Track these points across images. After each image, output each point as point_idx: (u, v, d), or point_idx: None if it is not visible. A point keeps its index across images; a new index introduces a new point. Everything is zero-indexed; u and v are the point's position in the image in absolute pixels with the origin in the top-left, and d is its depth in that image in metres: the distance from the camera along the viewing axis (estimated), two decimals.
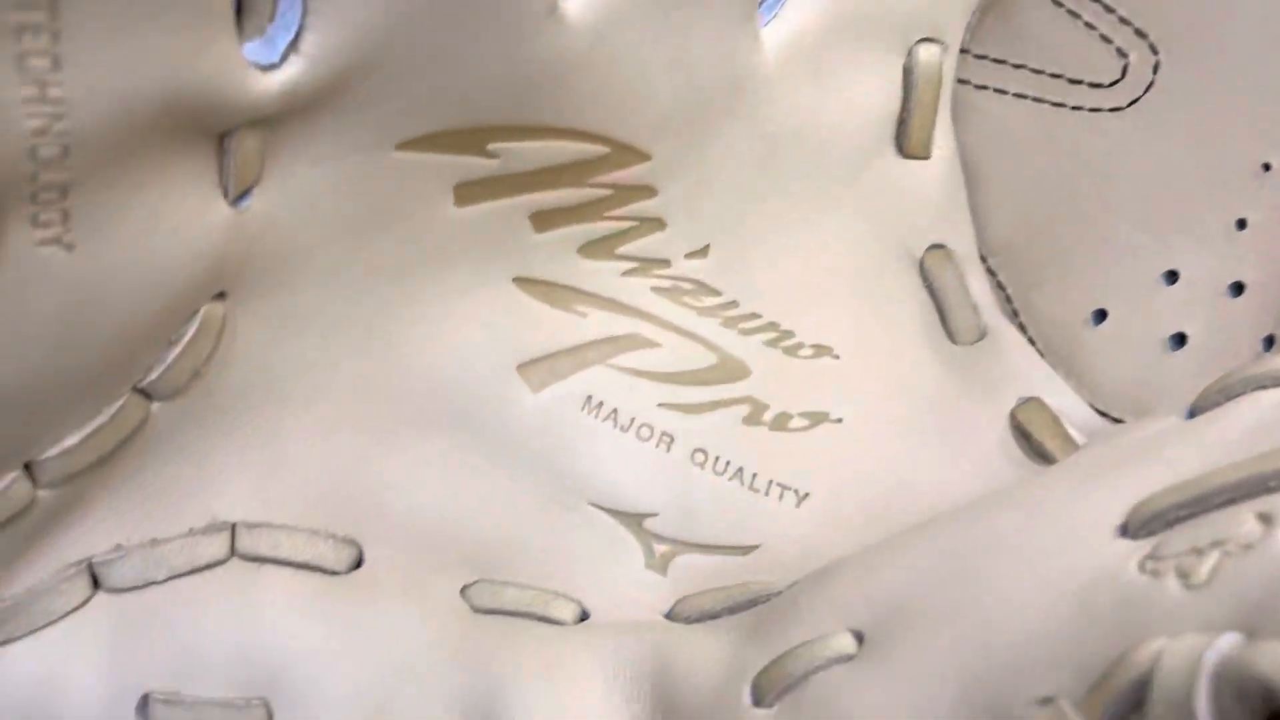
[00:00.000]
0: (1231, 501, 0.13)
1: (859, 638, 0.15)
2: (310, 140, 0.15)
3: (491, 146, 0.17)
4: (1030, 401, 0.20)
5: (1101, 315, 0.21)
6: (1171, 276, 0.20)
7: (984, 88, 0.22)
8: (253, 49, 0.14)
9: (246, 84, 0.14)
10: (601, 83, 0.17)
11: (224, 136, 0.14)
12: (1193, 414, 0.16)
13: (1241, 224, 0.19)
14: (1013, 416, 0.20)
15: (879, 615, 0.15)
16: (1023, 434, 0.20)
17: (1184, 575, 0.12)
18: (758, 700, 0.15)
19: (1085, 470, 0.16)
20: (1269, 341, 0.19)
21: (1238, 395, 0.15)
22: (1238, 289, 0.19)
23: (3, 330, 0.13)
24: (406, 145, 0.17)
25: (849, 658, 0.15)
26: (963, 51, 0.22)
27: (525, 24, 0.15)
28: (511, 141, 0.18)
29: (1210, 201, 0.20)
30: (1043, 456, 0.19)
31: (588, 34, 0.16)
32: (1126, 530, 0.14)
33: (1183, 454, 0.15)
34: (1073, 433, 0.19)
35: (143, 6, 0.12)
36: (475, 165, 0.18)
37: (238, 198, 0.15)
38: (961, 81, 0.22)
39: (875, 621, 0.15)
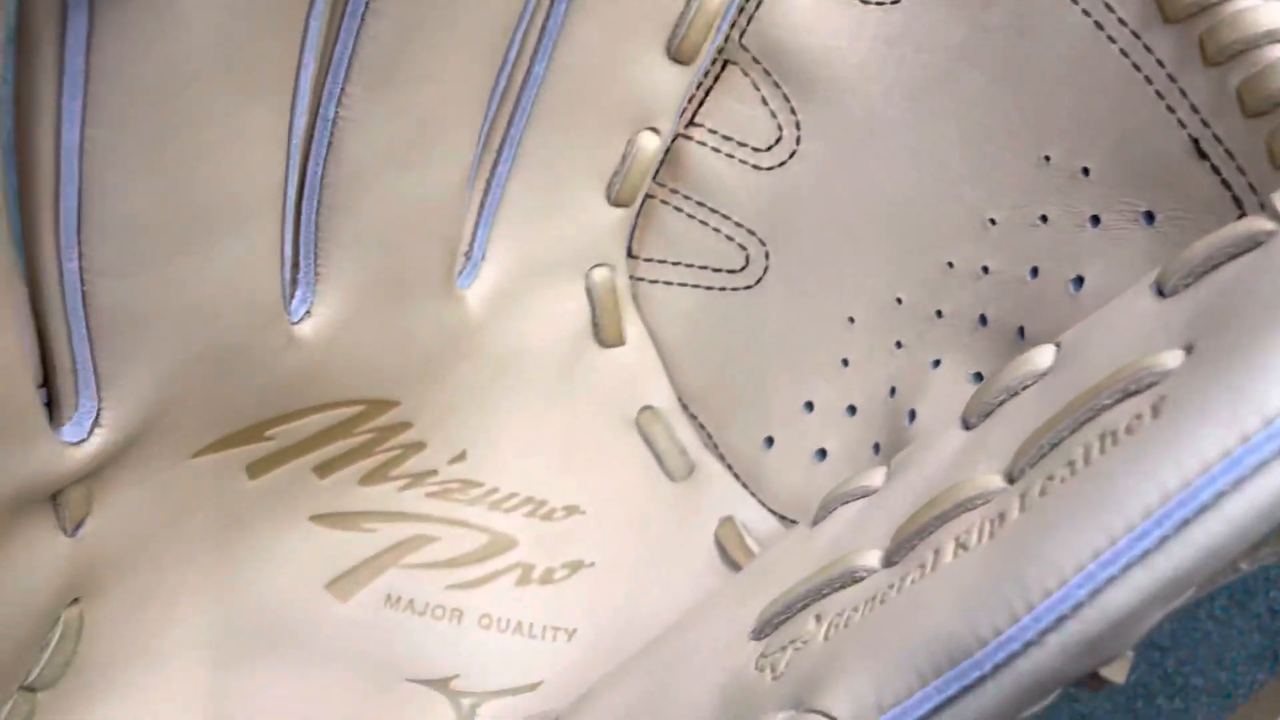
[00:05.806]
0: (805, 606, 0.19)
1: None
2: (123, 473, 0.21)
3: (269, 433, 0.23)
4: (726, 520, 0.26)
5: (770, 441, 0.27)
6: (809, 406, 0.27)
7: (655, 282, 0.28)
8: (66, 430, 0.19)
9: (64, 460, 0.19)
10: (343, 370, 0.23)
11: (55, 493, 0.19)
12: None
13: (845, 362, 0.26)
14: (715, 536, 0.26)
15: None
16: (721, 549, 0.26)
17: (773, 669, 0.18)
18: None
19: (747, 581, 0.22)
20: (875, 448, 0.25)
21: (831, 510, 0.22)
22: (852, 411, 0.26)
23: None
24: (200, 453, 0.22)
25: None
26: (633, 256, 0.28)
27: (269, 357, 0.21)
28: (283, 425, 0.23)
29: (824, 351, 0.26)
30: (735, 566, 0.26)
31: (323, 345, 0.22)
32: (756, 634, 0.20)
33: (791, 566, 0.21)
34: (749, 543, 0.26)
35: None
36: (260, 449, 0.23)
37: (74, 529, 0.20)
38: (638, 279, 0.28)
39: None
